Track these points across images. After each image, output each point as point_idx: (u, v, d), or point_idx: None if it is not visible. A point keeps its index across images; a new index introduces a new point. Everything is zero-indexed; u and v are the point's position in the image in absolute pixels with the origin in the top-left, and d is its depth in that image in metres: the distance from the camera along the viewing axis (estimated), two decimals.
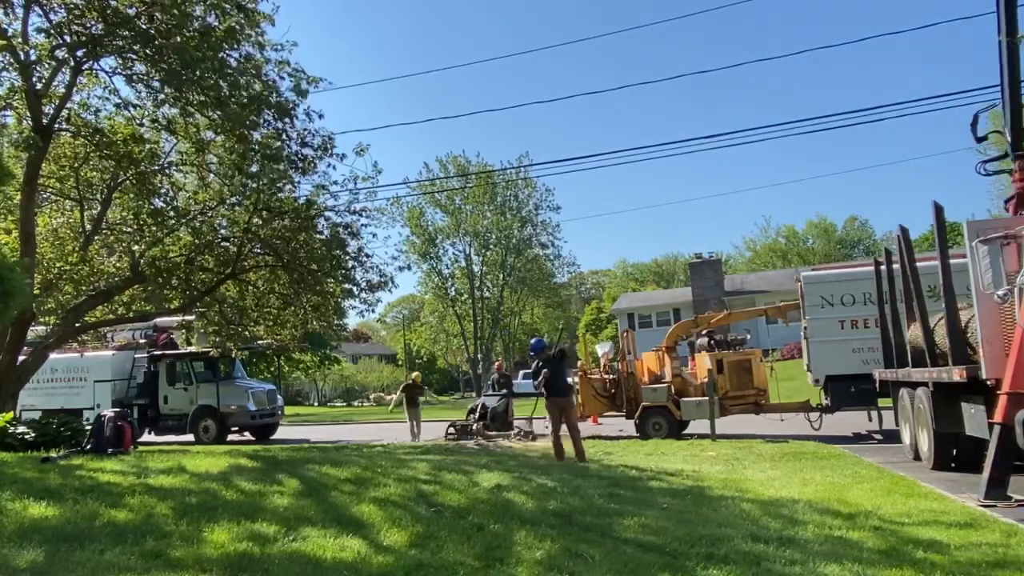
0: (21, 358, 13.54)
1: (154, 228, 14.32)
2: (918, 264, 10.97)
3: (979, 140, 10.48)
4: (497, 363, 22.26)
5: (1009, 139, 10.10)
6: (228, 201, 14.60)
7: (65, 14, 11.48)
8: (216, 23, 11.87)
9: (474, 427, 16.58)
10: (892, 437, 13.03)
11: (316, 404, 51.87)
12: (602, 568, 5.00)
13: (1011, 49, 9.88)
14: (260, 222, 14.33)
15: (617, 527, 6.25)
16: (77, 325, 14.59)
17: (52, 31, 11.56)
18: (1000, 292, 8.03)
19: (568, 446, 11.39)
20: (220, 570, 4.63)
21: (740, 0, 42.21)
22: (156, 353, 21.12)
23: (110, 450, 10.83)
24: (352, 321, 69.62)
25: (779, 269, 57.34)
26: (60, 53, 11.79)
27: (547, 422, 11.63)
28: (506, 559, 5.13)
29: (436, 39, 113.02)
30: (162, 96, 12.46)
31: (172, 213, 14.74)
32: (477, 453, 12.36)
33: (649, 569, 5.01)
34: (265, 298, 16.17)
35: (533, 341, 12.50)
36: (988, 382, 8.37)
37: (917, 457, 10.92)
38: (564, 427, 11.30)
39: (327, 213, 14.98)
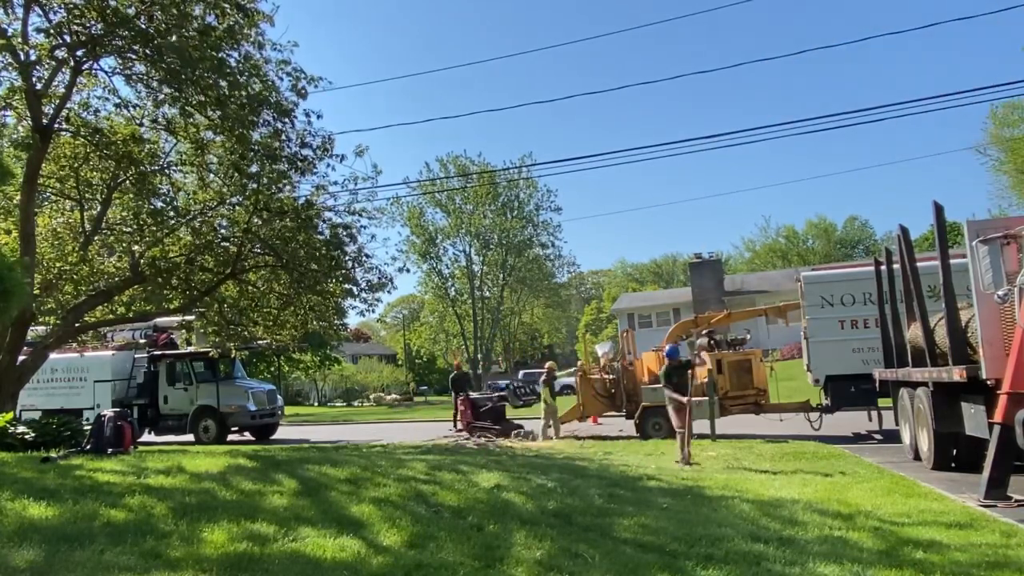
0: (21, 358, 13.52)
1: (154, 228, 14.30)
2: (918, 264, 10.96)
3: None
4: (456, 362, 23.13)
5: None
6: (228, 201, 14.58)
7: (65, 14, 11.46)
8: (216, 23, 11.86)
9: (462, 426, 17.65)
10: (892, 437, 13.02)
11: (316, 404, 51.85)
12: (601, 568, 4.99)
13: None
14: (260, 222, 14.32)
15: (616, 527, 6.25)
16: (77, 325, 14.57)
17: (52, 31, 11.54)
18: (1000, 292, 8.02)
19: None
20: (220, 570, 4.62)
21: (740, 0, 42.20)
22: (156, 353, 21.10)
23: (110, 450, 10.82)
24: (352, 321, 69.58)
25: (779, 269, 57.29)
26: (60, 53, 11.79)
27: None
28: (505, 559, 5.13)
29: (436, 39, 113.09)
30: (162, 96, 12.45)
31: (172, 213, 14.72)
32: (476, 453, 12.36)
33: (648, 569, 5.00)
34: (265, 298, 16.16)
35: (669, 347, 12.80)
36: (988, 382, 8.37)
37: (917, 457, 10.91)
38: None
39: (327, 213, 14.98)
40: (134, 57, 12.14)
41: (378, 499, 6.94)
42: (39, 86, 12.03)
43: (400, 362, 65.55)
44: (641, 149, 74.05)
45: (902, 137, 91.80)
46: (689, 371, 12.27)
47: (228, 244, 15.09)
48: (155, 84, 12.32)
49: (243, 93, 12.05)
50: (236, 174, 13.36)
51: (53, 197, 15.52)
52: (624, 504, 7.27)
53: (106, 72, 12.78)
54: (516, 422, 17.88)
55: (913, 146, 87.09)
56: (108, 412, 12.08)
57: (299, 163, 13.73)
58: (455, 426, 19.22)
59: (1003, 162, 39.10)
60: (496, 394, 20.11)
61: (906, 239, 10.97)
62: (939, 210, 9.40)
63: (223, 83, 11.82)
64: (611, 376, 17.09)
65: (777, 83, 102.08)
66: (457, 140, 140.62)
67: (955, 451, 10.00)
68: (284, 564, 4.81)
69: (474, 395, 19.58)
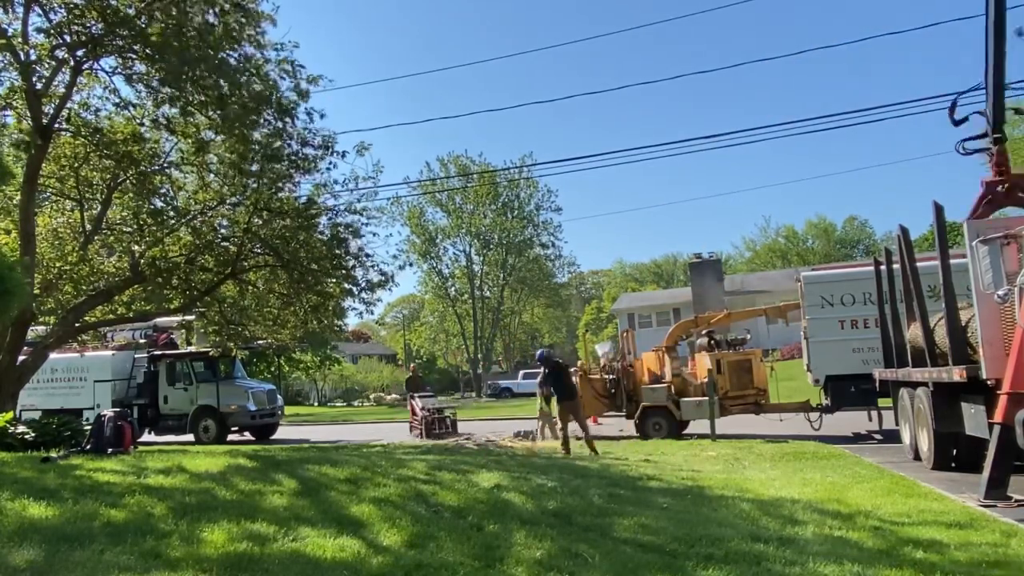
0: (21, 358, 13.52)
1: (154, 228, 14.30)
2: (918, 264, 10.96)
3: (956, 124, 10.32)
4: (412, 366, 23.78)
5: (991, 119, 9.95)
6: (228, 201, 14.59)
7: (65, 14, 11.46)
8: (216, 22, 11.85)
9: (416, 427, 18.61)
10: (892, 437, 13.02)
11: (316, 404, 51.84)
12: (601, 568, 4.99)
13: (998, 29, 9.65)
14: (260, 222, 14.32)
15: (616, 527, 6.25)
16: (77, 325, 14.57)
17: (52, 31, 11.54)
18: (1000, 292, 8.03)
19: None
20: (220, 570, 4.62)
21: (740, 0, 42.21)
22: (156, 353, 21.11)
23: (110, 450, 10.82)
24: (352, 321, 69.62)
25: (779, 269, 57.30)
26: (60, 53, 11.78)
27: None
28: (505, 559, 5.13)
29: (436, 39, 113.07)
30: (162, 96, 12.44)
31: (172, 213, 14.72)
32: (476, 453, 12.36)
33: (648, 569, 5.00)
34: (265, 298, 16.16)
35: (538, 353, 13.90)
36: (988, 382, 8.37)
37: (917, 457, 10.91)
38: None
39: (328, 212, 14.97)
40: (134, 57, 12.14)
41: (378, 499, 6.94)
42: (39, 86, 12.02)
43: (400, 362, 65.55)
44: (641, 149, 74.19)
45: (902, 137, 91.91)
46: (564, 372, 13.63)
47: (228, 244, 15.09)
48: (155, 84, 12.31)
49: (244, 92, 12.04)
50: (237, 174, 13.36)
51: (53, 197, 15.52)
52: (624, 504, 7.27)
53: (106, 72, 12.78)
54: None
55: (913, 146, 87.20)
56: (108, 412, 12.08)
57: (300, 162, 13.72)
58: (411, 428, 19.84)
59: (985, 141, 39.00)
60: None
61: (906, 239, 10.97)
62: (939, 210, 9.40)
63: (224, 83, 11.82)
64: (611, 376, 17.09)
65: (777, 83, 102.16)
66: (457, 140, 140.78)
67: (955, 451, 10.00)
68: (284, 564, 4.81)
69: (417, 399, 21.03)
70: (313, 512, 6.30)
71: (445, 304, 57.76)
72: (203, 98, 11.90)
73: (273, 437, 21.22)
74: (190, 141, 13.30)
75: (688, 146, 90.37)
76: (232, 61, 12.23)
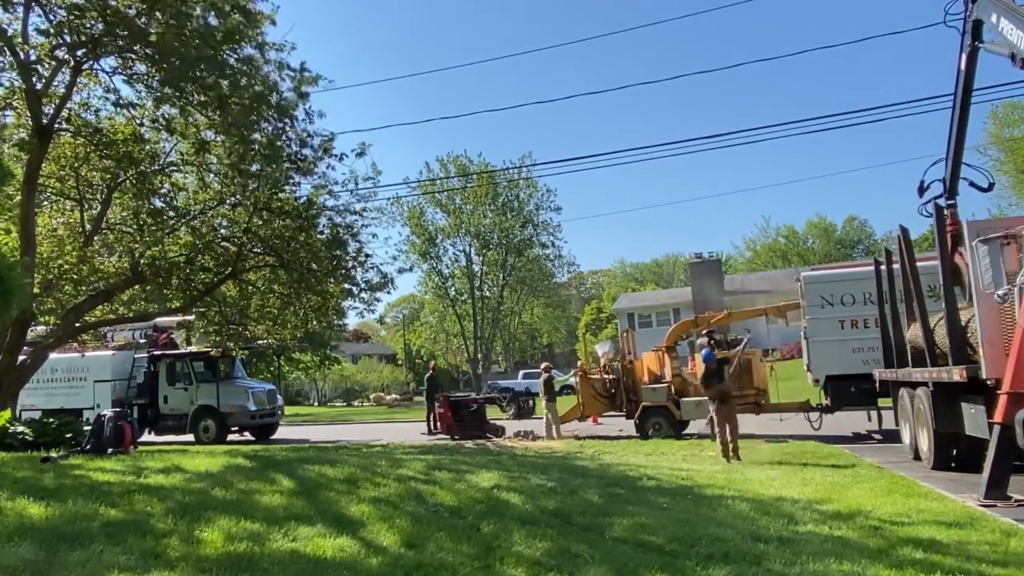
0: (21, 358, 13.52)
1: (154, 228, 14.30)
2: (918, 264, 10.96)
3: (921, 193, 11.12)
4: (432, 364, 22.98)
5: (947, 187, 10.72)
6: (228, 201, 14.59)
7: (65, 14, 11.46)
8: (216, 22, 11.84)
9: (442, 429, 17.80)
10: (892, 437, 13.02)
11: (316, 404, 51.86)
12: (601, 568, 4.99)
13: (963, 115, 10.51)
14: (260, 222, 14.32)
15: (616, 527, 6.24)
16: (77, 325, 14.57)
17: (52, 31, 11.53)
18: (1000, 292, 8.03)
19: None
20: (219, 569, 4.62)
21: (740, 0, 42.23)
22: (156, 353, 21.10)
23: (110, 450, 10.84)
24: (352, 321, 69.60)
25: (779, 269, 57.28)
26: (60, 53, 11.77)
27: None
28: (504, 559, 5.13)
29: (436, 39, 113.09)
30: (162, 96, 12.44)
31: (172, 213, 14.73)
32: (475, 453, 12.36)
33: (648, 569, 5.00)
34: (265, 298, 16.16)
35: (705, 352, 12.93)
36: (988, 382, 8.37)
37: (917, 457, 10.91)
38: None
39: (327, 213, 14.98)
40: (134, 57, 12.13)
41: (377, 499, 6.94)
42: (39, 86, 12.01)
43: (400, 362, 65.55)
44: (641, 149, 74.27)
45: (902, 137, 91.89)
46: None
47: (228, 244, 15.10)
48: (156, 84, 12.31)
49: (244, 93, 12.03)
50: (237, 174, 13.36)
51: (53, 197, 15.52)
52: (623, 504, 7.27)
53: (106, 72, 12.78)
54: (497, 423, 18.52)
55: (914, 146, 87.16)
56: (108, 412, 12.09)
57: (299, 163, 13.72)
58: (431, 429, 18.86)
59: (1003, 162, 39.08)
60: (483, 396, 20.93)
61: (906, 239, 10.98)
62: (939, 210, 9.42)
63: (224, 83, 11.81)
64: (611, 376, 17.09)
65: (777, 83, 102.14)
66: (457, 140, 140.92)
67: (955, 451, 10.00)
68: (283, 564, 4.81)
69: (455, 396, 19.92)
70: (312, 512, 6.30)
71: (445, 304, 57.70)
72: (203, 98, 11.89)
73: (273, 437, 21.21)
74: (190, 141, 13.28)
75: (688, 146, 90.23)
76: (232, 61, 12.23)
